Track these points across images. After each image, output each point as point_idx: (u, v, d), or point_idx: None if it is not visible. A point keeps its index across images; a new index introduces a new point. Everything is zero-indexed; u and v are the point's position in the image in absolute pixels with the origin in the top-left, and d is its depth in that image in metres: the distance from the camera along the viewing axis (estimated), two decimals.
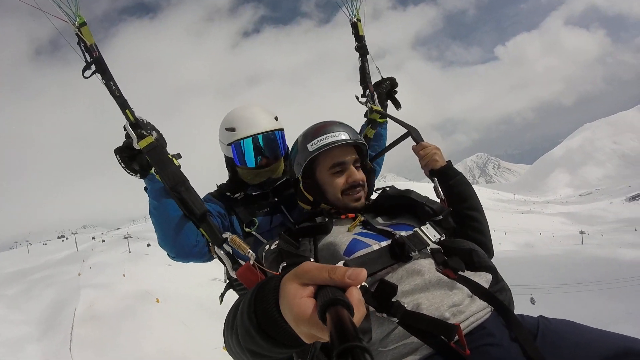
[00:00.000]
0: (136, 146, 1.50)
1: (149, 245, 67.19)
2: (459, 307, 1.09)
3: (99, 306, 33.98)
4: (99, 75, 1.53)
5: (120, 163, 1.54)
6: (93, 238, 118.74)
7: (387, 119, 2.15)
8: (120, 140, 1.58)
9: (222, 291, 1.84)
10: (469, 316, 1.07)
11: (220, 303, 1.78)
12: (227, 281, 1.79)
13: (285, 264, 1.13)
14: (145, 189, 1.60)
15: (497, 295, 1.16)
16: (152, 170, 1.55)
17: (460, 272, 1.18)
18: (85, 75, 1.51)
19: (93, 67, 1.52)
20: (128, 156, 1.54)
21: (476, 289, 1.14)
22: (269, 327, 0.69)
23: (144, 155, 1.52)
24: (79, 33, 1.49)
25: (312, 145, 1.50)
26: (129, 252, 61.15)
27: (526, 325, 1.10)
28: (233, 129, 1.84)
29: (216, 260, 1.60)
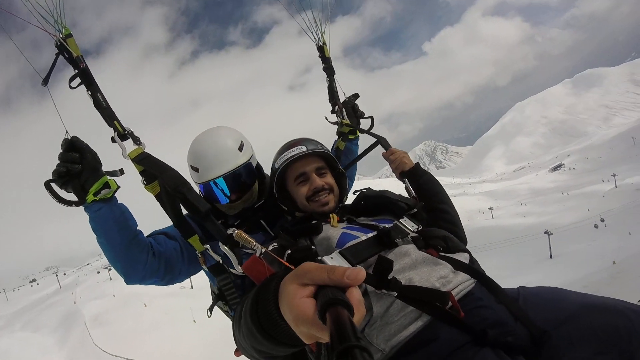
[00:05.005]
0: (126, 157, 1.47)
1: (110, 269, 77.66)
2: (446, 278, 1.14)
3: (101, 309, 47.37)
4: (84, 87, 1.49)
5: (52, 196, 1.42)
6: (64, 274, 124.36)
7: (358, 135, 2.33)
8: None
9: (211, 304, 1.81)
10: (457, 285, 1.12)
11: (209, 316, 1.80)
12: (217, 292, 1.72)
13: (290, 252, 1.16)
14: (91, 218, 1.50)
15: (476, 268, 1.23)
16: (89, 197, 1.43)
17: (441, 252, 1.28)
18: (71, 85, 1.48)
19: (78, 80, 1.48)
20: (63, 183, 1.43)
21: (458, 265, 1.21)
22: (270, 327, 0.71)
23: (142, 161, 1.47)
24: (65, 44, 1.46)
25: (277, 162, 1.66)
26: (110, 278, 70.53)
27: (508, 293, 1.17)
28: (197, 169, 1.79)
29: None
